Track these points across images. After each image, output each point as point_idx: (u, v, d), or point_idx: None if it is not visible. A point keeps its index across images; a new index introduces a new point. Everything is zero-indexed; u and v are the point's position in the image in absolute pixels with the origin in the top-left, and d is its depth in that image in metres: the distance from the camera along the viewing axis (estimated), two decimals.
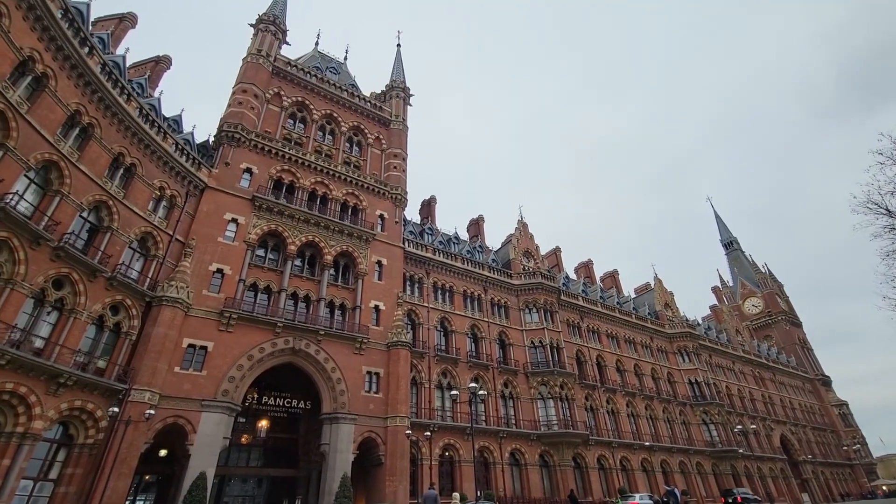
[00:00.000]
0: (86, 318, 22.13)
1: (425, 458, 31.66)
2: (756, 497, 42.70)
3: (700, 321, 72.37)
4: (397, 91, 47.10)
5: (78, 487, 20.64)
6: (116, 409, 21.69)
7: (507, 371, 40.32)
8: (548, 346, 42.50)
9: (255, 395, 30.72)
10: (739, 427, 52.37)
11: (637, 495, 33.59)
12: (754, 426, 59.38)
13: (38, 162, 20.54)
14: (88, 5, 25.82)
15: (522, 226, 52.39)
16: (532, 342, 43.11)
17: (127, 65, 28.97)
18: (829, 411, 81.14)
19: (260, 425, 32.02)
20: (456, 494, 22.03)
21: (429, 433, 31.02)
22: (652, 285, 66.89)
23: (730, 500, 38.53)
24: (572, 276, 62.23)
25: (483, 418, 36.65)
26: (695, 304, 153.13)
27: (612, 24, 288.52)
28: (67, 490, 20.44)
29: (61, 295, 21.30)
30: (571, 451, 38.79)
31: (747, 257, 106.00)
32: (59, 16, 21.34)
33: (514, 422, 38.36)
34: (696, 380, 55.21)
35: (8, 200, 18.55)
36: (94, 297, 22.54)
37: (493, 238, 59.61)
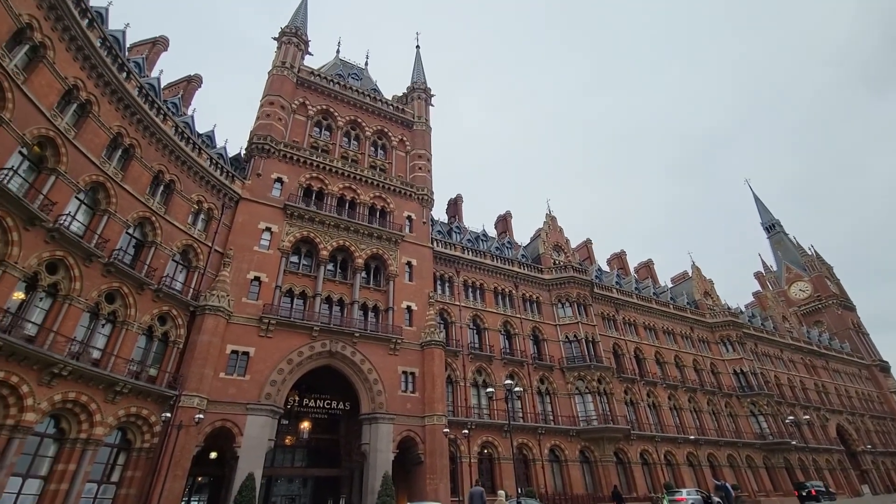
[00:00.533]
0: (136, 329, 23.38)
1: (464, 455, 31.78)
2: (830, 490, 41.43)
3: (743, 309, 69.50)
4: (418, 93, 47.33)
5: (137, 489, 21.85)
6: (169, 415, 22.89)
7: (543, 367, 39.94)
8: (583, 341, 41.83)
9: (297, 398, 31.67)
10: (791, 418, 50.05)
11: (684, 490, 32.57)
12: (807, 416, 56.55)
13: (87, 183, 21.80)
14: (124, 32, 27.21)
15: (551, 219, 51.73)
16: (566, 337, 42.55)
17: (162, 86, 30.33)
18: (889, 398, 76.41)
19: (302, 427, 32.93)
20: (501, 493, 21.91)
21: (466, 431, 31.14)
22: (689, 274, 64.78)
23: (803, 493, 38.20)
24: (605, 268, 60.98)
25: (520, 415, 36.44)
26: (736, 291, 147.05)
27: (627, 6, 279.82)
28: (128, 492, 21.67)
29: (114, 308, 22.59)
30: (613, 446, 38.08)
31: (791, 240, 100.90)
32: (99, 44, 22.54)
33: (552, 418, 37.99)
34: (741, 370, 53.12)
35: (62, 221, 19.80)
36: (143, 309, 23.78)
37: (521, 234, 59.21)
